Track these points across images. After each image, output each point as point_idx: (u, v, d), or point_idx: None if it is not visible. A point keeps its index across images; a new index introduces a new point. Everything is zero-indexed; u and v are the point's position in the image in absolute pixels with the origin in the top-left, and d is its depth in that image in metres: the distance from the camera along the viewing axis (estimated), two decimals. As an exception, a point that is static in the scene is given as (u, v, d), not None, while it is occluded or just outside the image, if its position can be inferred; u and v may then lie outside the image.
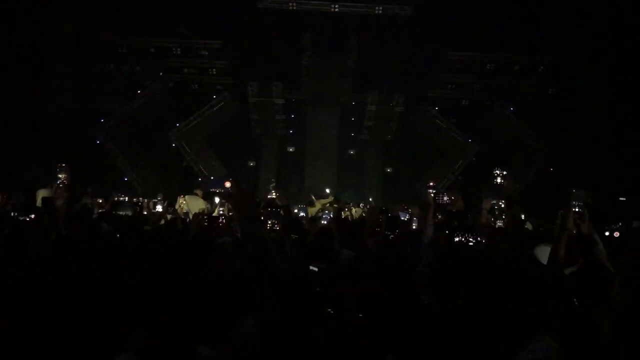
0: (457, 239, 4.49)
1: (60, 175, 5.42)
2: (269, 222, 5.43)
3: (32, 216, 4.81)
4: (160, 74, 20.95)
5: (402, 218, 7.69)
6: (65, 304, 2.79)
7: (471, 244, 4.36)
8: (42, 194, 7.15)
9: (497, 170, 3.89)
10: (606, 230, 4.91)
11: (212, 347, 2.48)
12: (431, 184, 5.52)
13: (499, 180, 3.88)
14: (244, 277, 4.08)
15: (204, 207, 9.16)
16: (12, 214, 5.12)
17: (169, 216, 7.72)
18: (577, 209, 4.02)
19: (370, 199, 16.96)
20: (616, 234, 4.74)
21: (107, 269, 3.80)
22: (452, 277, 3.27)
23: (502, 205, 5.02)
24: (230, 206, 7.52)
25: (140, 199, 12.32)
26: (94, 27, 18.98)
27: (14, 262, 3.54)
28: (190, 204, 9.58)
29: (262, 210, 6.16)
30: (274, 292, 3.43)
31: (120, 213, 5.61)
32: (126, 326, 2.83)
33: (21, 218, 4.85)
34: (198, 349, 2.38)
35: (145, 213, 6.94)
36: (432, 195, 5.73)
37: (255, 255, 4.18)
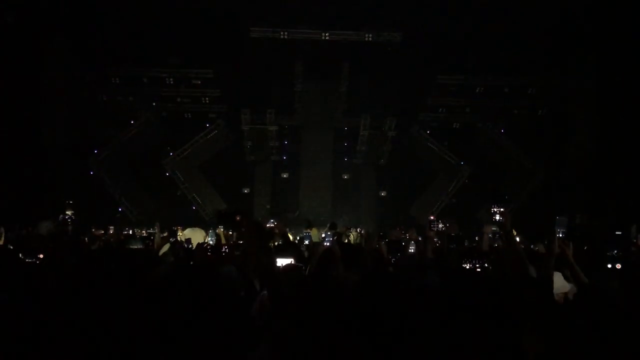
0: (466, 266, 4.58)
1: (67, 212, 5.39)
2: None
3: (40, 256, 4.67)
4: (154, 103, 21.08)
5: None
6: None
7: (479, 270, 4.45)
8: (44, 227, 7.13)
9: (495, 207, 4.08)
10: (607, 262, 5.00)
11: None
12: (431, 217, 5.64)
13: (497, 217, 4.08)
14: (250, 306, 4.12)
15: (204, 238, 9.15)
16: (19, 255, 4.88)
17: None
18: (560, 235, 4.38)
19: (359, 228, 16.94)
20: (618, 266, 4.82)
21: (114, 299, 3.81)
22: (457, 302, 3.33)
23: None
24: (229, 237, 7.57)
25: (150, 229, 12.36)
26: (87, 59, 19.09)
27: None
28: (190, 236, 9.55)
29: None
30: (283, 319, 3.48)
31: (133, 247, 5.59)
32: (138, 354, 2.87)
33: (28, 260, 4.67)
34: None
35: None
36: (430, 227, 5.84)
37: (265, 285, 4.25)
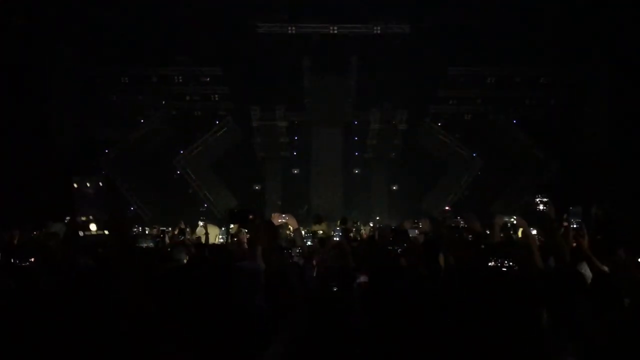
0: (490, 264, 4.48)
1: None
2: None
3: (32, 259, 4.55)
4: (163, 102, 21.09)
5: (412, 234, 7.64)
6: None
7: (505, 269, 4.36)
8: (55, 227, 7.11)
9: (538, 198, 3.96)
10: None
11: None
12: (447, 208, 5.57)
13: (541, 207, 3.95)
14: (266, 303, 4.05)
15: (215, 237, 9.14)
16: (12, 260, 4.73)
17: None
18: (575, 225, 4.23)
19: (371, 222, 16.77)
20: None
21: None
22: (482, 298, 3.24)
23: (514, 222, 4.96)
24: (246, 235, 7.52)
25: (161, 228, 12.37)
26: (95, 58, 19.14)
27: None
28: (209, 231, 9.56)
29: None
30: (292, 316, 3.41)
31: (142, 245, 5.52)
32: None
33: (23, 264, 4.56)
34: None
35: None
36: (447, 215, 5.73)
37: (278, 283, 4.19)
